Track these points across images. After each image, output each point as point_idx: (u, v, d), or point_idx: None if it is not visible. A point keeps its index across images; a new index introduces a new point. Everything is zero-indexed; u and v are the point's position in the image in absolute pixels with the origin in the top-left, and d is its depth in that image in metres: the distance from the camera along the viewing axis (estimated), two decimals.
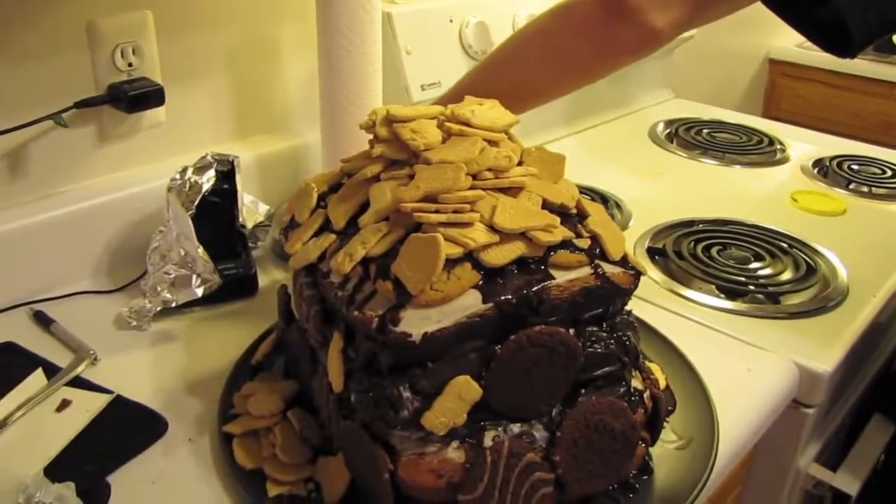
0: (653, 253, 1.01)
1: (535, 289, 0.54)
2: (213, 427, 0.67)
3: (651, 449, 0.64)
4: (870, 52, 2.26)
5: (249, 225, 0.92)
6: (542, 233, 0.55)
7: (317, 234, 0.63)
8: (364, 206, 0.61)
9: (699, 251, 1.01)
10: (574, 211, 0.61)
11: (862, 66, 2.22)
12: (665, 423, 0.67)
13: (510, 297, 0.54)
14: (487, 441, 0.55)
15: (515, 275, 0.55)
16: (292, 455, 0.62)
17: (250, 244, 0.94)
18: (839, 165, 1.33)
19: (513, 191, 0.59)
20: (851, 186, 1.26)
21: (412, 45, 1.09)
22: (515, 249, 0.55)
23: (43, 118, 0.82)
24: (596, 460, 0.57)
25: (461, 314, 0.53)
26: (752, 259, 1.00)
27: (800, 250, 1.02)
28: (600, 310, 0.58)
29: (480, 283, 0.54)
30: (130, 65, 0.89)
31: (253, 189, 0.98)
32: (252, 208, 0.94)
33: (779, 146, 1.43)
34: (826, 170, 1.32)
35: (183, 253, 0.82)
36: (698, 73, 1.89)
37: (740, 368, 0.78)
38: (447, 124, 0.62)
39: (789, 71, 2.34)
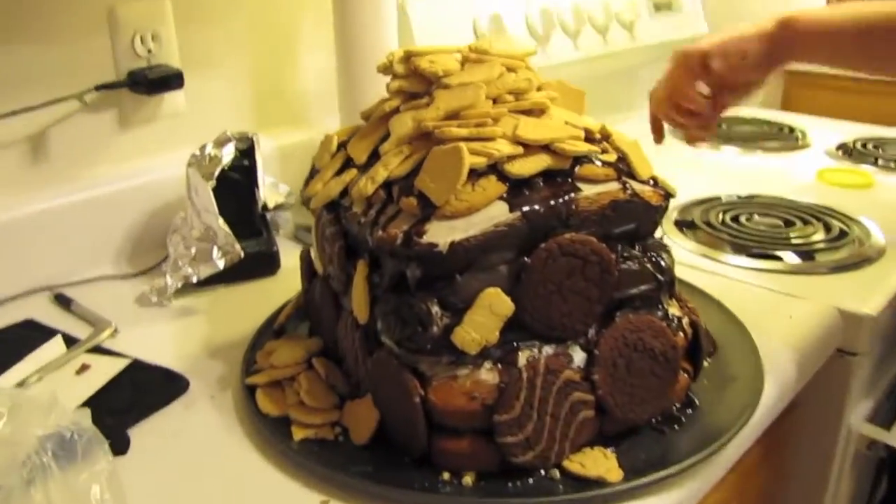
0: (681, 225, 0.99)
1: (563, 199, 0.53)
2: (235, 383, 0.65)
3: (695, 386, 0.61)
4: None
5: (271, 205, 0.91)
6: (568, 144, 0.54)
7: (338, 173, 0.62)
8: (385, 139, 0.60)
9: (728, 220, 0.98)
10: (598, 136, 0.59)
11: None
12: (707, 362, 0.64)
13: (538, 206, 0.52)
14: (522, 361, 0.52)
15: (542, 187, 0.53)
16: (318, 399, 0.59)
17: (273, 233, 0.93)
18: (863, 146, 1.31)
19: (535, 112, 0.58)
20: (879, 163, 1.23)
21: (426, 36, 1.10)
22: (541, 161, 0.54)
23: (64, 98, 0.82)
24: (637, 383, 0.55)
25: (488, 223, 0.51)
26: (783, 225, 0.98)
27: (830, 216, 0.99)
28: (631, 225, 0.56)
29: (506, 194, 0.52)
30: (150, 51, 0.89)
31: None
32: (273, 189, 0.94)
33: (799, 133, 1.41)
34: (851, 151, 1.29)
35: (204, 227, 0.81)
36: None
37: (780, 316, 0.75)
38: (465, 53, 0.61)
39: (804, 80, 2.32)
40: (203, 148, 0.84)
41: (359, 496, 0.52)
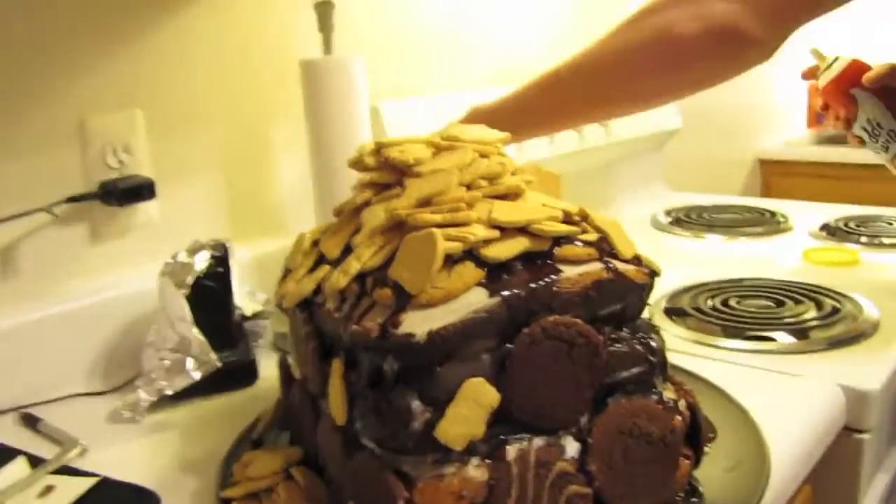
0: (671, 313, 0.96)
1: (543, 282, 0.51)
2: (211, 498, 0.61)
3: (697, 473, 0.58)
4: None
5: (248, 313, 0.89)
6: (546, 225, 0.52)
7: (311, 270, 0.60)
8: (358, 233, 0.58)
9: (718, 304, 0.96)
10: (577, 217, 0.58)
11: (848, 154, 2.26)
12: (707, 449, 0.61)
13: (518, 290, 0.50)
14: (511, 455, 0.49)
15: (521, 270, 0.51)
16: None
17: (252, 343, 0.90)
18: (846, 225, 1.31)
19: (510, 197, 0.57)
20: (863, 240, 1.23)
21: (400, 135, 1.11)
22: (519, 244, 0.52)
23: (33, 211, 0.81)
24: (636, 472, 0.51)
25: (467, 310, 0.49)
26: (774, 305, 0.96)
27: (821, 294, 0.98)
28: (617, 306, 0.54)
29: (484, 279, 0.50)
30: (121, 162, 0.89)
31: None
32: (250, 297, 0.91)
33: (781, 218, 1.42)
34: (834, 231, 1.30)
35: (178, 338, 0.79)
36: (692, 179, 1.91)
37: (780, 397, 0.72)
38: (435, 141, 0.60)
39: (780, 169, 2.38)
40: (175, 256, 0.82)
41: None
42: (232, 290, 0.85)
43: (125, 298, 0.88)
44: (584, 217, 0.57)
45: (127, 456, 0.70)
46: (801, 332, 0.86)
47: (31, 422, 0.76)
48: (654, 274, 0.57)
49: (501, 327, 0.49)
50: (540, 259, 0.52)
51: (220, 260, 0.84)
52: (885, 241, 1.22)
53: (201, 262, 0.81)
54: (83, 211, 0.88)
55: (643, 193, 1.65)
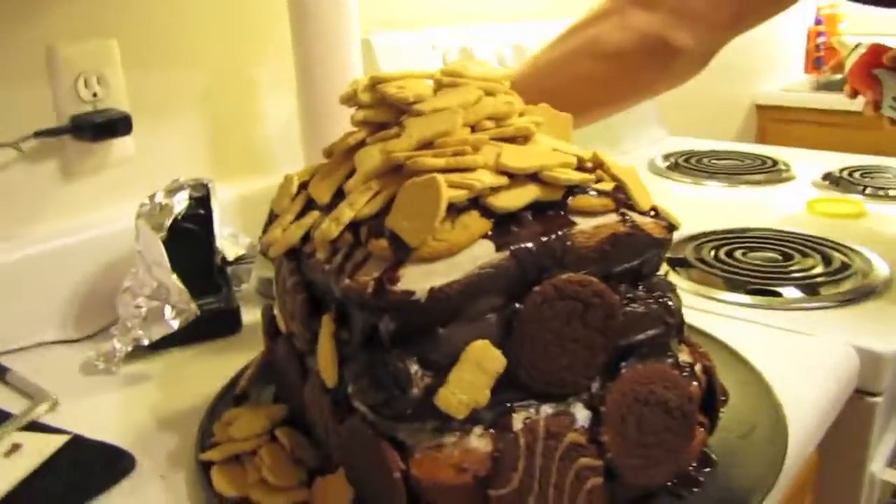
0: (673, 264, 0.92)
1: (556, 235, 0.46)
2: (189, 460, 0.57)
3: (710, 440, 0.54)
4: None
5: (231, 257, 0.84)
6: (559, 172, 0.48)
7: (299, 217, 0.55)
8: (351, 176, 0.53)
9: (722, 255, 0.93)
10: (590, 164, 0.53)
11: (846, 101, 2.21)
12: (721, 413, 0.57)
13: (528, 244, 0.45)
14: (518, 424, 0.45)
15: (531, 222, 0.47)
16: (283, 477, 0.51)
17: (234, 287, 0.85)
18: (850, 175, 1.27)
19: (518, 140, 0.52)
20: (868, 191, 1.19)
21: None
22: (529, 193, 0.47)
23: None
24: (650, 441, 0.47)
25: (472, 266, 0.44)
26: (781, 258, 0.92)
27: (829, 247, 0.94)
28: (635, 262, 0.49)
29: (491, 231, 0.46)
30: (95, 95, 0.83)
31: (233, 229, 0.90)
32: (232, 241, 0.86)
33: (783, 166, 1.37)
34: (837, 180, 1.25)
35: (155, 284, 0.74)
36: (687, 123, 1.86)
37: (791, 357, 0.68)
38: (437, 77, 0.55)
39: (777, 115, 2.33)
40: (153, 197, 0.76)
41: None
42: (214, 233, 0.80)
43: (99, 240, 0.83)
44: (599, 164, 0.52)
45: (100, 411, 0.66)
46: (810, 288, 0.83)
47: (0, 373, 0.72)
48: (672, 228, 0.52)
49: (509, 285, 0.45)
50: (552, 210, 0.48)
51: (201, 201, 0.79)
52: (892, 192, 1.18)
53: (180, 203, 0.76)
54: (54, 147, 0.82)
55: (639, 136, 1.59)
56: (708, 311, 0.79)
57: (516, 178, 0.48)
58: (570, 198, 0.48)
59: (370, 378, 0.45)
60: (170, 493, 0.54)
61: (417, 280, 0.44)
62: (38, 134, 0.78)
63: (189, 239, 0.78)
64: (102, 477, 0.55)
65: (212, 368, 0.71)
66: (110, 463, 0.57)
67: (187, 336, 0.76)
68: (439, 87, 0.54)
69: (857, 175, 1.27)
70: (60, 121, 0.81)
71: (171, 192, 0.77)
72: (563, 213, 0.48)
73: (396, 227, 0.45)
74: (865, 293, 0.81)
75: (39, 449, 0.58)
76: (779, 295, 0.83)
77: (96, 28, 0.82)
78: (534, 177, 0.48)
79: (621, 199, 0.50)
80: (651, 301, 0.49)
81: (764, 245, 0.96)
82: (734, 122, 2.32)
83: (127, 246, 0.82)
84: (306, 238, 0.53)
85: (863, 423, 0.71)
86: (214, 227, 0.80)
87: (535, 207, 0.47)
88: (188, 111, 0.91)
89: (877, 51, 0.88)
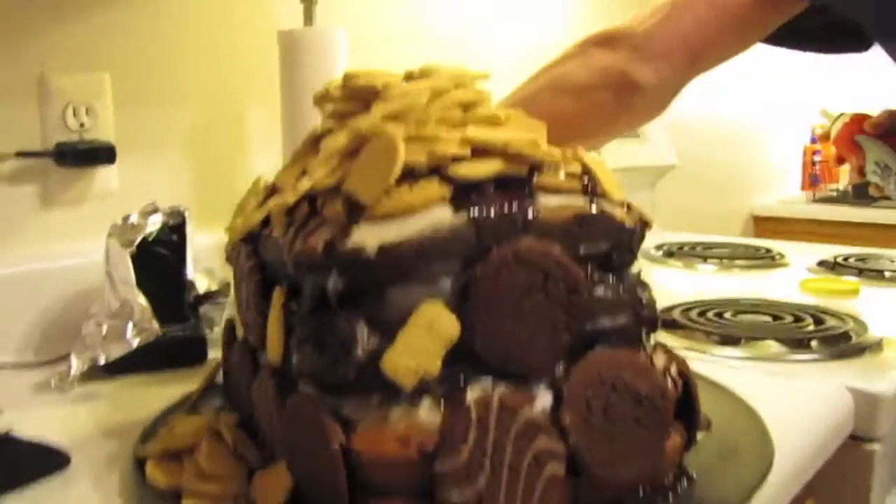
0: (661, 325, 0.89)
1: (518, 205, 0.44)
2: (127, 460, 0.53)
3: (688, 461, 0.50)
4: (849, 198, 2.28)
5: (202, 291, 0.82)
6: (525, 146, 0.46)
7: (262, 205, 0.54)
8: None
9: (712, 316, 0.90)
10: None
11: (841, 212, 2.23)
12: (699, 436, 0.53)
13: (489, 210, 0.43)
14: (471, 398, 0.41)
15: (494, 193, 0.45)
16: (220, 467, 0.47)
17: (206, 331, 0.83)
18: (845, 260, 1.25)
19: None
20: (864, 274, 1.17)
21: None
22: (493, 166, 0.46)
23: None
24: (618, 433, 0.43)
25: (427, 226, 0.42)
26: (772, 320, 0.89)
27: (822, 313, 0.91)
28: (602, 246, 0.47)
29: (450, 197, 0.44)
30: (82, 125, 0.83)
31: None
32: (207, 275, 0.84)
33: (777, 255, 1.36)
34: (833, 265, 1.24)
35: (120, 303, 0.71)
36: (683, 228, 1.87)
37: (780, 396, 0.64)
38: (409, 70, 0.55)
39: (774, 226, 2.34)
40: (126, 218, 0.75)
41: None
42: (186, 262, 0.78)
43: (72, 269, 0.81)
44: (571, 153, 0.51)
45: (44, 421, 0.62)
46: (801, 342, 0.79)
47: None
48: (645, 224, 0.51)
49: (467, 250, 0.43)
50: (516, 185, 0.46)
51: (176, 228, 0.78)
52: (888, 274, 1.16)
53: (153, 225, 0.75)
54: (37, 172, 0.81)
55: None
56: (698, 360, 0.75)
57: (480, 152, 0.46)
58: (537, 175, 0.47)
59: (314, 341, 0.42)
60: (101, 490, 0.50)
61: (368, 237, 0.42)
62: (19, 154, 0.78)
63: (160, 264, 0.76)
64: (32, 470, 0.51)
65: (170, 393, 0.67)
66: (42, 458, 0.52)
67: (150, 363, 0.73)
68: (410, 79, 0.54)
69: (852, 260, 1.25)
70: (45, 146, 0.81)
71: (146, 214, 0.76)
72: (527, 189, 0.46)
73: (352, 188, 0.44)
74: (860, 349, 0.77)
75: None
76: (768, 343, 0.79)
77: (90, 60, 0.84)
78: (499, 153, 0.47)
79: (590, 185, 0.48)
80: (621, 289, 0.47)
81: (755, 311, 0.93)
82: (731, 233, 2.33)
83: (98, 278, 0.80)
84: (266, 223, 0.51)
85: (861, 473, 0.66)
86: (187, 256, 0.79)
87: (499, 182, 0.46)
88: (174, 149, 0.92)
89: (858, 119, 0.91)
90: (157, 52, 0.90)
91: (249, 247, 0.52)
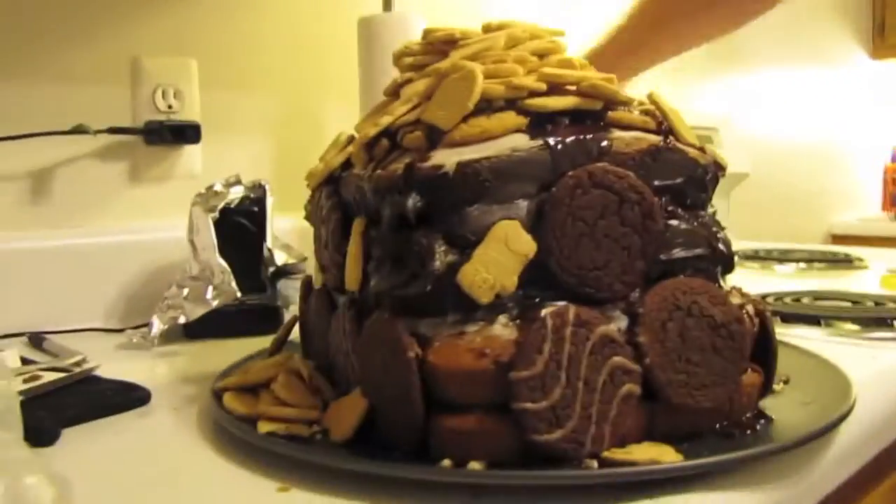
0: None
1: (592, 135, 0.45)
2: (205, 398, 0.54)
3: (769, 404, 0.49)
4: None
5: (279, 262, 0.84)
6: (602, 83, 0.47)
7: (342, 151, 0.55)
8: None
9: (788, 301, 0.87)
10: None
11: None
12: (777, 387, 0.52)
13: (564, 138, 0.44)
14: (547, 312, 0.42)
15: (568, 125, 0.46)
16: (296, 396, 0.48)
17: (283, 309, 0.85)
18: None
19: None
20: None
21: None
22: (568, 100, 0.46)
23: (70, 131, 0.79)
24: (695, 359, 0.43)
25: (504, 149, 0.43)
26: (851, 304, 0.86)
27: None
28: (676, 180, 0.47)
29: (526, 127, 0.45)
30: (170, 107, 0.88)
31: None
32: (286, 250, 0.86)
33: (856, 259, 1.32)
34: None
35: (200, 267, 0.74)
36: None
37: (862, 363, 0.62)
38: (486, 24, 0.56)
39: (853, 244, 2.25)
40: (210, 186, 0.79)
41: (326, 482, 0.40)
42: (265, 232, 0.81)
43: (157, 242, 0.85)
44: (649, 96, 0.51)
45: (126, 370, 0.64)
46: (883, 321, 0.76)
47: (37, 342, 0.72)
48: (720, 166, 0.50)
49: (542, 173, 0.43)
50: (590, 119, 0.47)
51: (257, 200, 0.81)
52: None
53: (235, 194, 0.78)
54: (127, 149, 0.86)
55: None
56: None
57: (557, 88, 0.47)
58: (611, 111, 0.47)
59: (393, 259, 0.43)
60: (180, 419, 0.52)
61: (447, 158, 0.43)
62: (111, 129, 0.82)
63: (240, 232, 0.79)
64: (116, 401, 0.53)
65: (246, 352, 0.69)
66: (124, 393, 0.55)
67: (227, 328, 0.75)
68: (487, 30, 0.56)
69: None
70: (136, 125, 0.86)
71: (229, 184, 0.79)
72: (602, 122, 0.47)
73: (431, 118, 0.45)
74: None
75: (59, 379, 0.57)
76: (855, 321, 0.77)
77: (179, 46, 0.88)
78: (575, 90, 0.47)
79: (664, 126, 0.49)
80: (695, 223, 0.47)
81: (834, 297, 0.90)
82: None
83: (180, 255, 0.83)
84: (347, 165, 0.53)
85: None
86: (266, 229, 0.81)
87: (574, 115, 0.46)
88: (255, 133, 0.96)
89: None
90: (242, 39, 0.94)
91: (330, 188, 0.53)
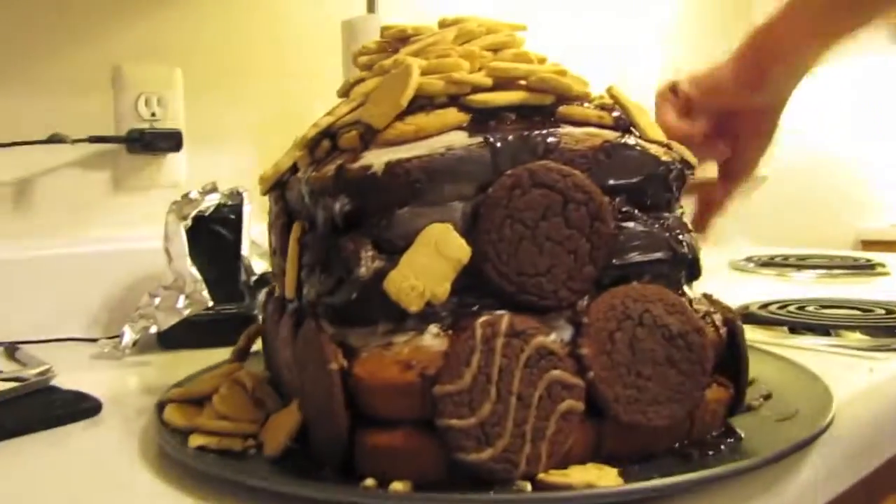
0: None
1: (538, 131, 0.42)
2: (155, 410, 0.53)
3: (741, 421, 0.45)
4: None
5: (259, 270, 0.82)
6: (552, 76, 0.44)
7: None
8: None
9: (793, 310, 0.83)
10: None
11: None
12: (756, 402, 0.48)
13: (506, 135, 0.41)
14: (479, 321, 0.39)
15: (514, 122, 0.43)
16: (235, 408, 0.46)
17: (256, 313, 0.83)
18: None
19: None
20: None
21: None
22: (515, 95, 0.44)
23: (53, 139, 0.78)
24: (645, 372, 0.40)
25: (439, 147, 0.40)
26: (860, 312, 0.82)
27: None
28: (633, 179, 0.44)
29: (467, 124, 0.42)
30: (153, 115, 0.87)
31: None
32: (265, 258, 0.85)
33: (878, 265, 1.26)
34: None
35: (174, 276, 0.73)
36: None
37: (858, 369, 0.58)
38: (442, 19, 0.54)
39: (883, 250, 2.17)
40: (186, 194, 0.77)
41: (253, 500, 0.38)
42: (241, 241, 0.79)
43: (139, 253, 0.83)
44: (608, 91, 0.49)
45: (91, 381, 0.62)
46: (892, 330, 0.72)
47: (10, 351, 0.71)
48: (686, 164, 0.47)
49: (482, 173, 0.40)
50: (539, 115, 0.44)
51: (234, 208, 0.79)
52: None
53: (210, 201, 0.76)
54: (109, 158, 0.85)
55: (723, 248, 1.51)
56: (775, 344, 0.69)
57: (503, 83, 0.44)
58: (563, 106, 0.44)
59: (321, 265, 0.41)
60: (124, 431, 0.50)
61: (377, 158, 0.40)
62: (92, 138, 0.82)
63: (216, 240, 0.77)
64: (60, 412, 0.51)
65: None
66: (74, 404, 0.53)
67: (202, 339, 0.73)
68: (443, 26, 0.53)
69: None
70: (119, 133, 0.85)
71: (205, 192, 0.77)
72: (552, 118, 0.44)
73: (366, 116, 0.43)
74: None
75: (10, 390, 0.55)
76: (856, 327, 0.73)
77: (162, 54, 0.87)
78: (523, 85, 0.45)
79: (623, 120, 0.46)
80: (656, 226, 0.44)
81: (842, 305, 0.86)
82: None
83: (162, 265, 0.82)
84: (295, 170, 0.51)
85: None
86: (243, 237, 0.79)
87: (520, 110, 0.44)
88: (239, 141, 0.94)
89: None
90: (226, 46, 0.93)
91: (276, 192, 0.51)
